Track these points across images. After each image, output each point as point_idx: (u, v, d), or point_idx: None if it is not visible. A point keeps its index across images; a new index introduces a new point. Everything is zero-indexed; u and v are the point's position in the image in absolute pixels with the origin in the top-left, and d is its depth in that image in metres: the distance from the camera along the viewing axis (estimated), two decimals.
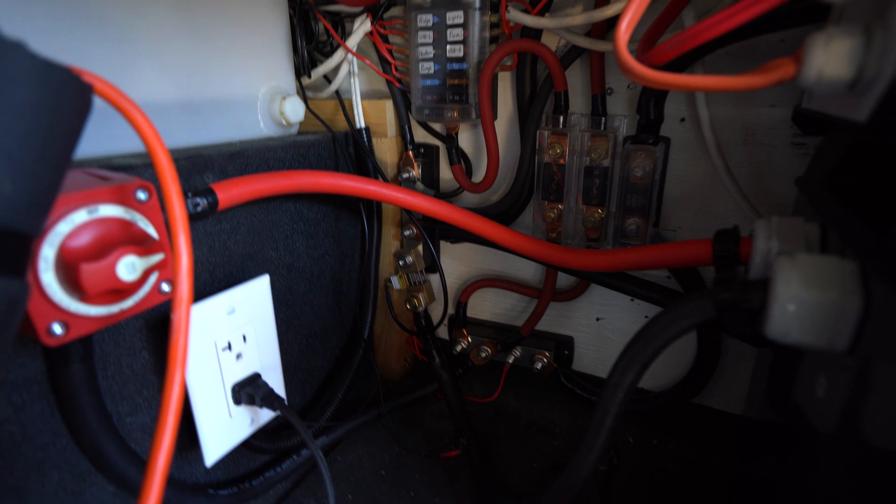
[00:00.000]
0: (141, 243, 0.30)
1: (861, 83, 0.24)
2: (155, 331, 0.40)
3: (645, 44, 0.40)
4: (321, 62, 0.62)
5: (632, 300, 0.59)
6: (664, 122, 0.49)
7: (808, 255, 0.25)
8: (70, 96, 0.24)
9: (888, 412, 0.19)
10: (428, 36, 0.56)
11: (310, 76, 0.64)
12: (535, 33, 0.52)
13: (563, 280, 0.63)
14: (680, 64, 0.43)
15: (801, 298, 0.24)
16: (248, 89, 0.56)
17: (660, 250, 0.42)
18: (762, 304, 0.26)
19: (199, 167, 0.43)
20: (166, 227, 0.32)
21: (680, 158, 0.51)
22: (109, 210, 0.30)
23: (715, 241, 0.37)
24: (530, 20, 0.50)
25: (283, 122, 0.58)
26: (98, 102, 0.30)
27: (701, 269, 0.52)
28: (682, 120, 0.50)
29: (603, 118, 0.52)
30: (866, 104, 0.24)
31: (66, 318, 0.28)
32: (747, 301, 0.28)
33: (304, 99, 0.62)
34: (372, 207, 0.63)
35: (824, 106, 0.33)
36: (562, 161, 0.53)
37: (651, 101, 0.46)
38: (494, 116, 0.57)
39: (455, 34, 0.54)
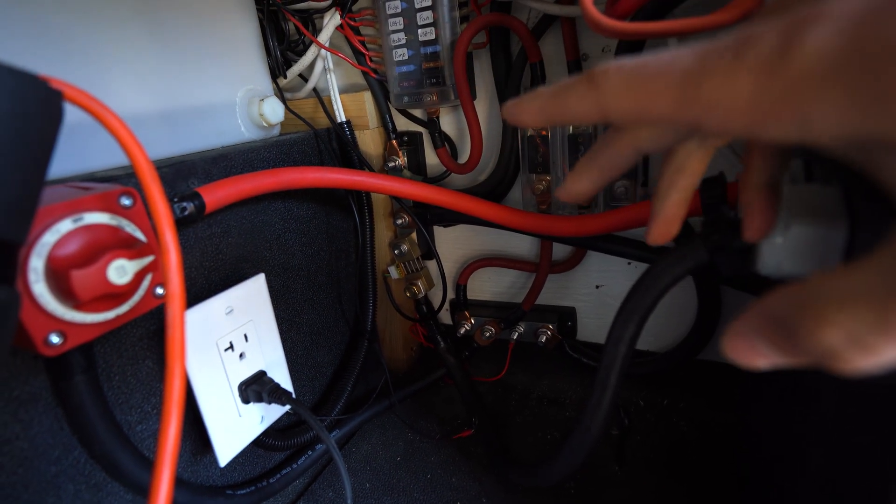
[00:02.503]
0: (129, 247, 0.30)
1: None
2: (155, 339, 0.40)
3: (611, 3, 0.40)
4: (295, 61, 0.62)
5: (629, 263, 0.59)
6: None
7: (791, 186, 0.25)
8: (39, 103, 0.24)
9: None
10: (398, 22, 0.56)
11: (286, 76, 0.64)
12: (505, 6, 0.52)
13: (559, 251, 0.63)
14: (650, 18, 0.43)
15: (787, 228, 0.24)
16: (225, 94, 0.55)
17: (648, 206, 0.42)
18: (752, 242, 0.27)
19: (183, 173, 0.43)
20: (153, 229, 0.32)
21: None
22: (94, 217, 0.30)
23: (702, 188, 0.37)
24: None
25: (264, 124, 0.58)
26: (78, 121, 0.31)
27: (694, 225, 0.52)
28: None
29: None
30: None
31: (63, 327, 0.28)
32: (737, 240, 0.28)
33: (283, 99, 0.62)
34: (362, 199, 0.63)
35: None
36: (544, 132, 0.53)
37: None
38: (474, 95, 0.57)
39: (425, 17, 0.54)
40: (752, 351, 0.14)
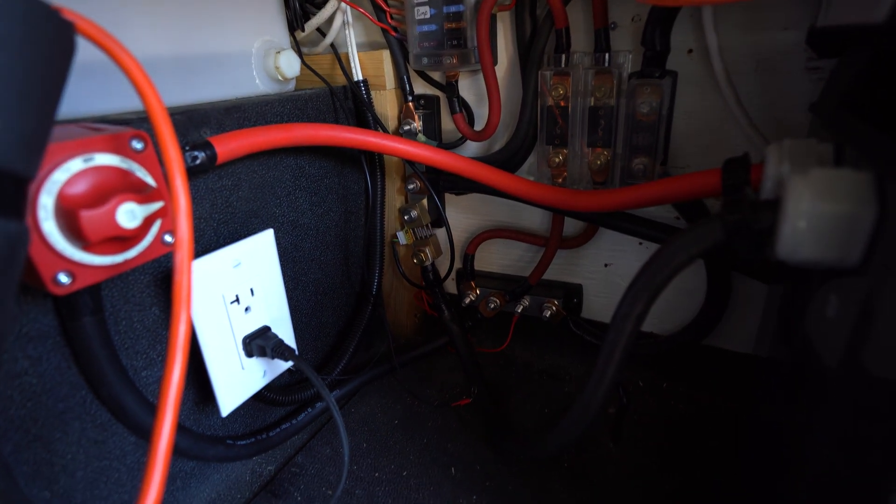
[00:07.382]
0: (139, 191, 0.30)
1: None
2: (163, 286, 0.40)
3: None
4: (314, 14, 0.61)
5: (640, 243, 0.58)
6: (671, 55, 0.47)
7: (820, 169, 0.24)
8: (50, 32, 0.23)
9: None
10: None
11: (303, 29, 0.62)
12: None
13: (571, 227, 0.62)
14: None
15: (813, 213, 0.23)
16: (241, 45, 0.54)
17: (668, 184, 0.41)
18: (772, 224, 0.26)
19: (196, 122, 0.42)
20: (164, 175, 0.32)
21: (688, 92, 0.50)
22: (105, 158, 0.29)
23: (724, 168, 0.36)
24: None
25: (280, 78, 0.57)
26: (91, 61, 0.30)
27: (710, 207, 0.51)
28: (690, 51, 0.48)
29: (607, 54, 0.50)
30: (885, 1, 0.23)
31: (72, 267, 0.28)
32: (757, 221, 0.27)
33: (300, 53, 0.60)
34: (374, 162, 0.62)
35: (840, 17, 0.31)
36: (563, 103, 0.52)
37: (657, 31, 0.44)
38: (495, 61, 0.55)
39: None
40: None
